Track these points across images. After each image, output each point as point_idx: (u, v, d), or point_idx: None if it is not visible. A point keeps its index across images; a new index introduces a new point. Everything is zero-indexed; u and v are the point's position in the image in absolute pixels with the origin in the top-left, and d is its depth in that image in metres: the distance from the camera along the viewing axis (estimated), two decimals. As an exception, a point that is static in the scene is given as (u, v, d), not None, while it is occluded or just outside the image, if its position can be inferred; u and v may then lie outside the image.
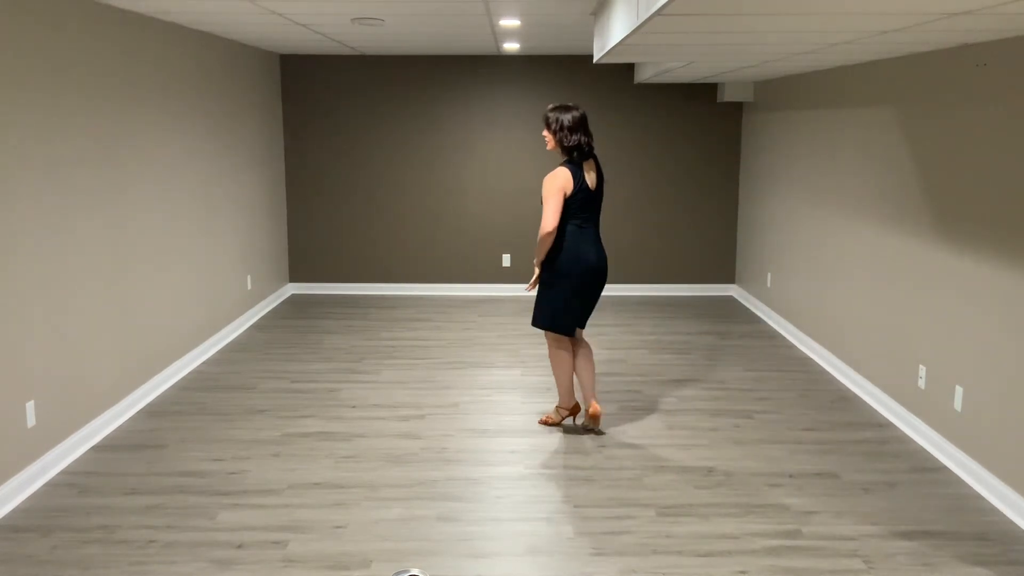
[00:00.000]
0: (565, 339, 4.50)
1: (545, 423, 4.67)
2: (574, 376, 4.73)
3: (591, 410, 4.43)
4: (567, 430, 4.61)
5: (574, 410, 4.64)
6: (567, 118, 4.28)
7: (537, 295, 4.47)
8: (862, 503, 3.74)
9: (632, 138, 7.90)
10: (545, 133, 4.35)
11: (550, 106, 4.37)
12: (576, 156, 4.29)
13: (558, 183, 4.23)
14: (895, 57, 4.74)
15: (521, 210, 8.02)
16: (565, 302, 4.38)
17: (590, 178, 4.32)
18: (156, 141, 5.18)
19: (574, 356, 4.53)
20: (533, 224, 8.06)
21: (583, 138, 4.29)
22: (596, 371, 4.81)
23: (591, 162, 4.36)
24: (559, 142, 4.31)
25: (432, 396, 5.17)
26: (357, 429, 4.61)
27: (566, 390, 4.58)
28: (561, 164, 4.32)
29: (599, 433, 4.56)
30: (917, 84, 4.53)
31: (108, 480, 3.95)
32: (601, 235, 4.58)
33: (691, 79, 7.05)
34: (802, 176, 6.34)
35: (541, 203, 4.50)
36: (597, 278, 4.38)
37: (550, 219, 4.21)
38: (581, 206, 4.29)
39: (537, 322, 4.46)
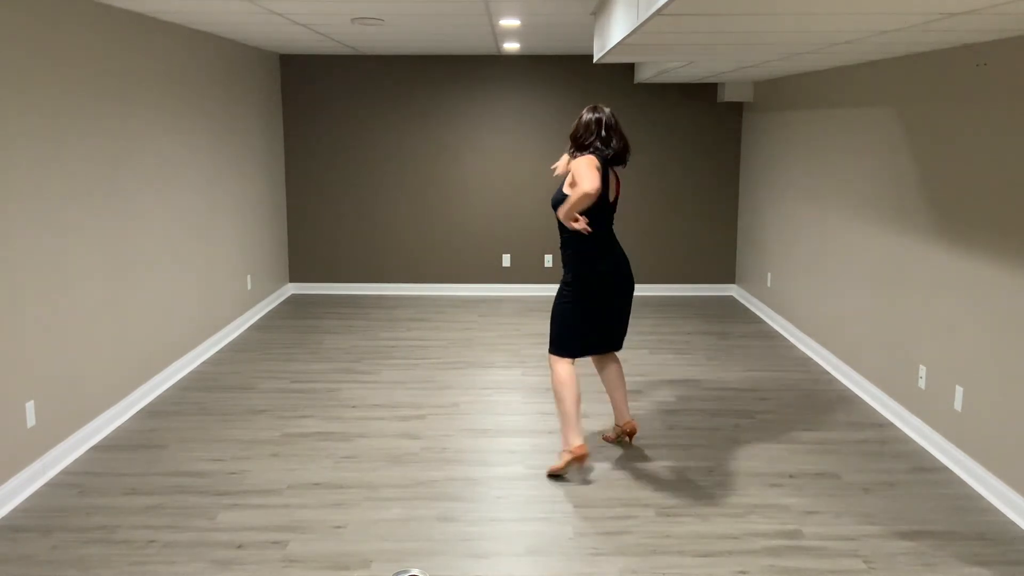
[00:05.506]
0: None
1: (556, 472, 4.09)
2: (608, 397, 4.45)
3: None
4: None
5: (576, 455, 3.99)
6: (586, 118, 4.05)
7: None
8: (862, 503, 3.74)
9: (632, 138, 7.89)
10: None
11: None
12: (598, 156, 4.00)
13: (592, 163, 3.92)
14: (895, 57, 4.74)
15: (521, 210, 8.02)
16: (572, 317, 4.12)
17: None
18: (156, 141, 5.18)
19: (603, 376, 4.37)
20: (533, 224, 8.06)
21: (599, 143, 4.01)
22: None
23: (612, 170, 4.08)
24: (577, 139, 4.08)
25: (432, 396, 5.17)
26: (357, 429, 4.61)
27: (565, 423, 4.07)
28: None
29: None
30: (917, 84, 4.52)
31: (108, 480, 3.95)
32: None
33: (691, 79, 7.05)
34: (802, 176, 6.34)
35: (560, 191, 4.09)
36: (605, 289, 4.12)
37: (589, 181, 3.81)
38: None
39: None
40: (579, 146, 4.03)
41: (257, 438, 4.48)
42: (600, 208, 3.99)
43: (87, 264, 4.35)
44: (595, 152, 3.96)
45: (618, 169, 4.19)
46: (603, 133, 3.98)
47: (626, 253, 4.56)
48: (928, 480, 3.99)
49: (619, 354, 6.05)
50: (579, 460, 3.96)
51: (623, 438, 4.44)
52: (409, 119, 7.91)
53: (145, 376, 5.04)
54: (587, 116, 4.03)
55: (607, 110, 4.04)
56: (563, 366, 4.06)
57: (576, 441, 3.95)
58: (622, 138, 4.05)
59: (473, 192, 8.01)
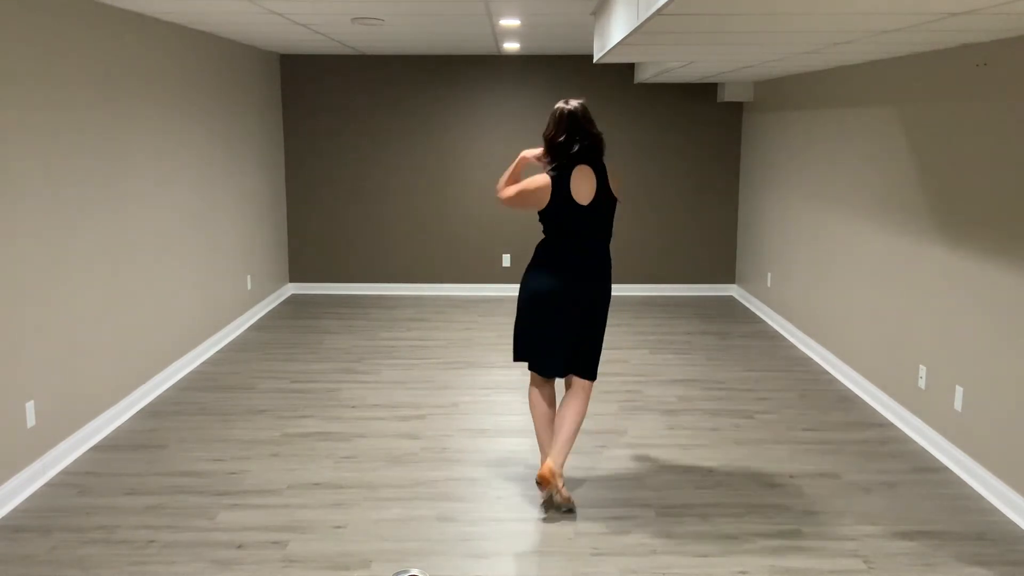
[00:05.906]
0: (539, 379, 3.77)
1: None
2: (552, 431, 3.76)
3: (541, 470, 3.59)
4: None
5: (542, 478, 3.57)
6: (557, 110, 3.67)
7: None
8: (862, 503, 3.74)
9: (632, 138, 7.89)
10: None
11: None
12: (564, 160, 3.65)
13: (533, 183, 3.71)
14: (895, 57, 4.74)
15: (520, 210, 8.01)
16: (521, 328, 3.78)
17: (580, 188, 3.65)
18: (156, 141, 5.18)
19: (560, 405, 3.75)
20: (533, 224, 8.04)
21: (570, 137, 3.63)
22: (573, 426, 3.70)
23: (587, 169, 3.65)
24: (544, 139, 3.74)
25: (432, 396, 5.17)
26: (357, 429, 4.61)
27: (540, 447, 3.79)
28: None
29: (565, 509, 3.66)
30: (917, 84, 4.52)
31: (108, 480, 3.95)
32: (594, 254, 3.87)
33: (691, 79, 7.05)
34: (802, 176, 6.34)
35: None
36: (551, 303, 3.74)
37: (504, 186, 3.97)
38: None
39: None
40: (548, 146, 3.74)
41: (257, 438, 4.48)
42: (567, 212, 3.73)
43: (87, 264, 4.35)
44: (554, 168, 3.71)
45: (614, 169, 3.79)
46: (566, 132, 3.65)
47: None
48: (928, 480, 3.99)
49: (619, 354, 6.04)
50: (544, 482, 3.59)
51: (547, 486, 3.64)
52: (409, 119, 7.91)
53: (145, 376, 5.04)
54: (554, 110, 3.70)
55: (574, 103, 3.65)
56: (532, 388, 3.79)
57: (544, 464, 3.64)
58: (585, 132, 3.64)
59: (473, 192, 8.00)
